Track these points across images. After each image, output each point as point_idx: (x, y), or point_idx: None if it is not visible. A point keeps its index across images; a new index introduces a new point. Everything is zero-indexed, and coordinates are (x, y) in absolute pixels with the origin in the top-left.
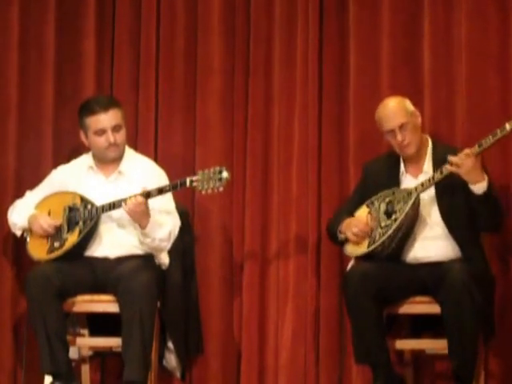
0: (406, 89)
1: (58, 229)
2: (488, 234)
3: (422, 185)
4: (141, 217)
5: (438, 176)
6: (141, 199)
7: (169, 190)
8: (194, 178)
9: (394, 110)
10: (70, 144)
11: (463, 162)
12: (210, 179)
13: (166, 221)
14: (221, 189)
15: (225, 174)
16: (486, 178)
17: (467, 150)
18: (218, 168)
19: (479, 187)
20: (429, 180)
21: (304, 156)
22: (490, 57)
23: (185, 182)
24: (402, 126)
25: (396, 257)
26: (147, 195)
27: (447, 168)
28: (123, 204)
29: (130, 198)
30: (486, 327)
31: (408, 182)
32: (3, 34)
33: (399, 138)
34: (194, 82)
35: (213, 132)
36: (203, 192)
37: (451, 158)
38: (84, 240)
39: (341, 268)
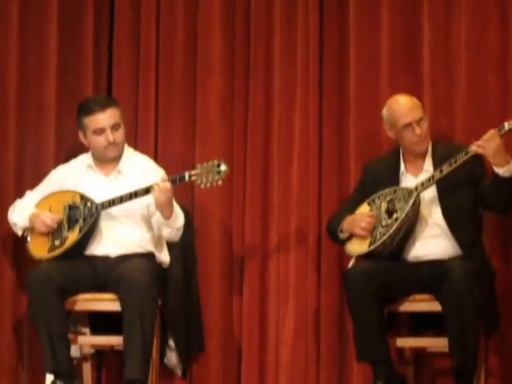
0: (405, 87)
1: (59, 227)
2: (489, 231)
3: (423, 184)
4: (167, 204)
5: (437, 175)
6: (169, 184)
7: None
8: (193, 172)
9: (411, 104)
10: (70, 144)
11: (488, 144)
12: (209, 172)
13: (178, 211)
14: (220, 182)
15: (223, 167)
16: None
17: (492, 131)
18: (216, 161)
19: (505, 170)
20: (429, 179)
21: (304, 153)
22: (489, 54)
23: (184, 177)
24: (419, 120)
25: (397, 255)
26: (147, 190)
27: (474, 147)
28: (152, 190)
29: (158, 183)
30: (489, 323)
31: (408, 181)
32: (3, 34)
33: (418, 131)
34: (194, 80)
35: (213, 130)
36: (202, 186)
37: (476, 142)
38: (84, 238)
39: (341, 265)
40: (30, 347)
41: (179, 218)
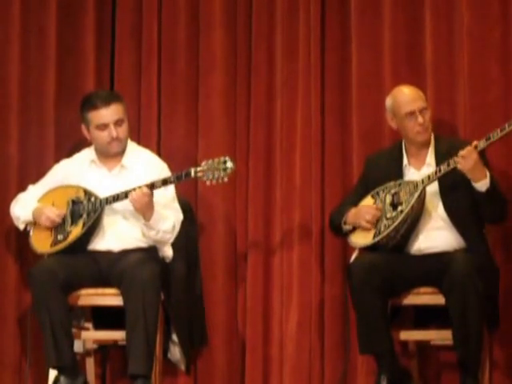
0: (408, 79)
1: (62, 222)
2: (492, 225)
3: (429, 177)
4: (146, 208)
5: (445, 168)
6: (146, 190)
7: (173, 181)
8: (199, 169)
9: (414, 93)
10: (72, 138)
11: (465, 160)
12: (215, 169)
13: (169, 214)
14: (225, 179)
15: (229, 164)
16: (488, 174)
17: (469, 148)
18: (222, 158)
19: (482, 185)
20: (435, 172)
21: (307, 147)
22: (491, 47)
23: (189, 173)
24: (422, 110)
25: (400, 248)
26: (151, 186)
27: (454, 161)
28: (129, 195)
29: (135, 189)
30: (491, 317)
31: (411, 174)
32: (4, 27)
33: (420, 120)
34: (197, 74)
35: (215, 125)
36: (208, 183)
37: (454, 157)
38: (88, 232)
39: (345, 258)
40: (32, 342)
41: (165, 221)
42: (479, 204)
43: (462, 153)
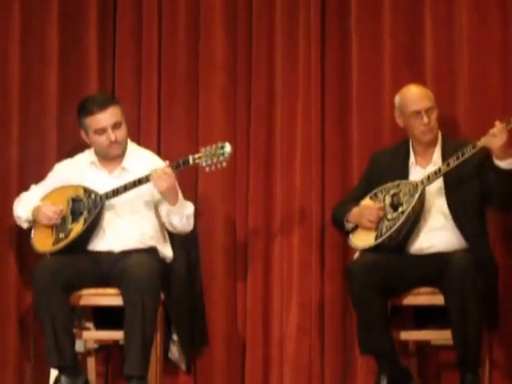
0: (408, 82)
1: (63, 220)
2: (492, 224)
3: (429, 178)
4: (171, 191)
5: (444, 168)
6: (168, 170)
7: (172, 170)
8: (197, 156)
9: (422, 92)
10: (74, 139)
11: (497, 137)
12: (213, 155)
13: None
14: (224, 164)
15: (227, 149)
16: None
17: (501, 125)
18: (220, 143)
19: (508, 163)
20: (435, 173)
21: (307, 150)
22: (491, 50)
23: (188, 160)
24: (428, 110)
25: (401, 248)
26: (147, 179)
27: (488, 135)
28: (151, 174)
29: (156, 170)
30: (490, 316)
31: (417, 172)
32: (5, 29)
33: (425, 120)
34: (197, 77)
35: (215, 127)
36: (207, 169)
37: (486, 136)
38: (89, 229)
39: (345, 258)
40: (35, 341)
41: (187, 205)
42: (498, 187)
43: (494, 130)
